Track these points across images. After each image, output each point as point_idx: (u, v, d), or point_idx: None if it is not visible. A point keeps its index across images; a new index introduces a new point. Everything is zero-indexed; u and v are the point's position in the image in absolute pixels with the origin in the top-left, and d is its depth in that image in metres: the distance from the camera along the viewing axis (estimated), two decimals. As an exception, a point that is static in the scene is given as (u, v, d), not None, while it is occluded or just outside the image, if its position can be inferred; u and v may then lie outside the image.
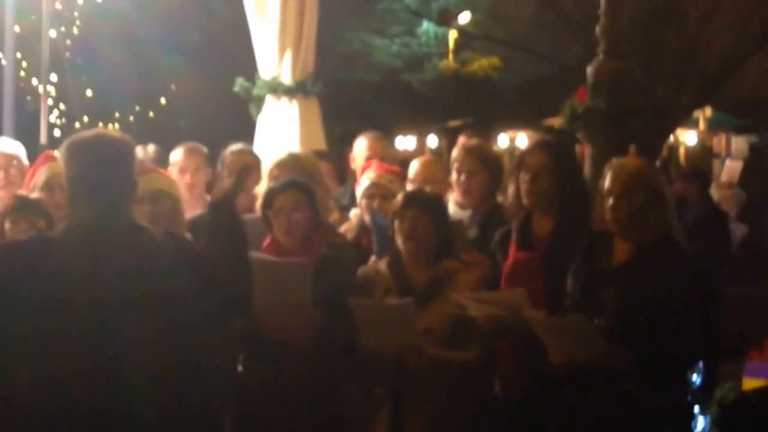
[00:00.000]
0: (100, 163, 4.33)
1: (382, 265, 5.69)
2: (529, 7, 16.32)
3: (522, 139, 14.16)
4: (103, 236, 4.29)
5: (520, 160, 5.91)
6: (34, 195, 6.04)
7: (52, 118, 10.51)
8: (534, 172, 5.68)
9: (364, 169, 7.14)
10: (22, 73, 11.06)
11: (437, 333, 5.49)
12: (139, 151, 7.81)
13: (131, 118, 13.26)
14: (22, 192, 6.12)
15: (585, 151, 7.59)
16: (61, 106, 10.68)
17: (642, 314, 5.08)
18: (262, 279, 5.07)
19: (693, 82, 13.15)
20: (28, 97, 11.16)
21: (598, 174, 5.66)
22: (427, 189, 6.25)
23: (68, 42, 11.08)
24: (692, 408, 6.27)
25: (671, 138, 12.04)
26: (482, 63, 18.97)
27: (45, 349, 4.24)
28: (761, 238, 9.63)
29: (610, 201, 5.15)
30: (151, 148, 8.78)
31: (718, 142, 14.62)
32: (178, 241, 4.84)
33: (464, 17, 18.73)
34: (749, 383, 7.01)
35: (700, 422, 6.71)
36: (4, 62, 10.58)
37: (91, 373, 4.21)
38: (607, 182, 5.24)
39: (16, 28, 10.25)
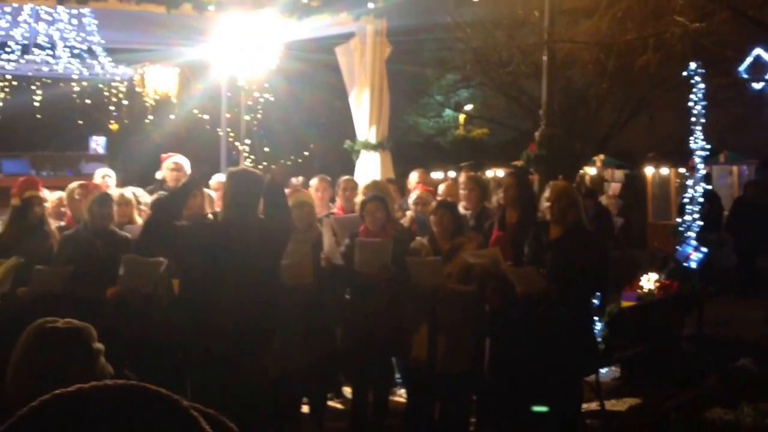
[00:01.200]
0: (243, 184, 6.40)
1: (424, 240, 7.72)
2: (503, 100, 21.30)
3: (500, 172, 16.95)
4: (240, 223, 6.22)
5: (499, 182, 8.49)
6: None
7: (247, 162, 13.01)
8: (506, 187, 8.10)
9: (413, 190, 9.75)
10: (230, 139, 13.77)
11: (454, 276, 7.43)
12: (294, 180, 10.52)
13: (289, 162, 16.38)
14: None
15: (535, 178, 9.57)
16: (251, 156, 13.27)
17: (566, 267, 7.16)
18: (363, 249, 7.46)
19: (593, 140, 18.67)
20: (233, 152, 13.71)
21: (541, 190, 8.12)
22: (448, 200, 8.65)
23: (255, 122, 13.65)
24: (593, 317, 8.19)
25: (582, 170, 14.70)
26: (478, 132, 24.34)
27: (210, 284, 6.15)
28: (630, 227, 11.89)
29: (547, 204, 7.43)
30: (300, 179, 11.00)
31: (607, 173, 18.25)
32: (280, 227, 6.74)
33: (468, 107, 23.00)
34: (624, 304, 9.64)
35: (598, 325, 8.64)
36: (220, 133, 13.63)
37: (232, 293, 6.08)
38: (546, 194, 7.53)
39: (227, 115, 13.62)
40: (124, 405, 0.84)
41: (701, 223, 11.57)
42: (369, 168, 12.01)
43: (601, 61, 14.99)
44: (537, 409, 7.30)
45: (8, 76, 16.24)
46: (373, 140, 12.22)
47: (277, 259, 6.62)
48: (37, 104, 18.20)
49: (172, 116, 19.04)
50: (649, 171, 20.90)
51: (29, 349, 2.28)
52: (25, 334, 2.33)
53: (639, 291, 10.22)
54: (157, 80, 17.72)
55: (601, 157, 19.64)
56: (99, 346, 2.43)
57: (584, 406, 7.92)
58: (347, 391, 8.80)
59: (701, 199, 11.72)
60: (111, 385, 0.87)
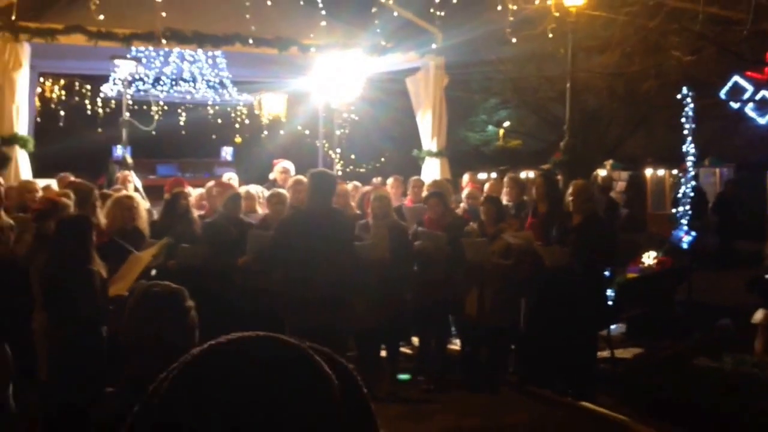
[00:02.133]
0: (320, 181, 6.25)
1: (474, 225, 7.69)
2: (533, 118, 21.70)
3: (531, 174, 16.85)
4: (319, 212, 6.09)
5: (532, 181, 8.58)
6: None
7: (338, 167, 13.11)
8: (537, 185, 8.05)
9: (465, 187, 9.93)
10: (325, 148, 13.99)
11: (497, 253, 7.41)
12: (375, 180, 10.90)
13: (369, 167, 16.37)
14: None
15: (560, 178, 9.38)
16: (340, 161, 13.37)
17: (585, 245, 7.09)
18: (426, 237, 7.59)
19: (604, 149, 18.99)
20: (327, 158, 13.81)
21: (565, 187, 8.08)
22: (493, 195, 8.66)
23: (344, 136, 13.84)
24: (605, 285, 8.12)
25: (595, 172, 14.60)
26: (513, 143, 23.76)
27: (297, 261, 6.05)
28: (633, 216, 11.77)
29: (570, 198, 7.39)
30: (379, 178, 11.19)
31: (615, 174, 18.05)
32: (353, 217, 6.97)
33: (506, 124, 22.99)
34: (629, 275, 9.50)
35: (609, 292, 8.48)
36: (318, 144, 14.01)
37: (316, 268, 5.98)
38: (569, 190, 7.49)
39: (322, 127, 13.80)
40: (266, 351, 0.84)
41: (690, 212, 11.44)
42: (431, 170, 12.04)
43: (612, 87, 14.82)
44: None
45: (161, 103, 16.57)
46: (434, 149, 12.26)
47: (347, 240, 6.45)
48: (182, 123, 18.67)
49: (281, 132, 19.30)
50: (648, 172, 20.68)
51: (136, 306, 2.24)
52: (134, 295, 2.30)
53: (641, 265, 10.16)
54: (271, 105, 18.03)
55: (610, 161, 19.44)
56: (190, 303, 2.39)
57: (598, 353, 7.88)
58: (415, 340, 8.81)
59: (691, 194, 11.57)
60: (254, 336, 0.86)
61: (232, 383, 0.80)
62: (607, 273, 8.06)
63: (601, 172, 17.81)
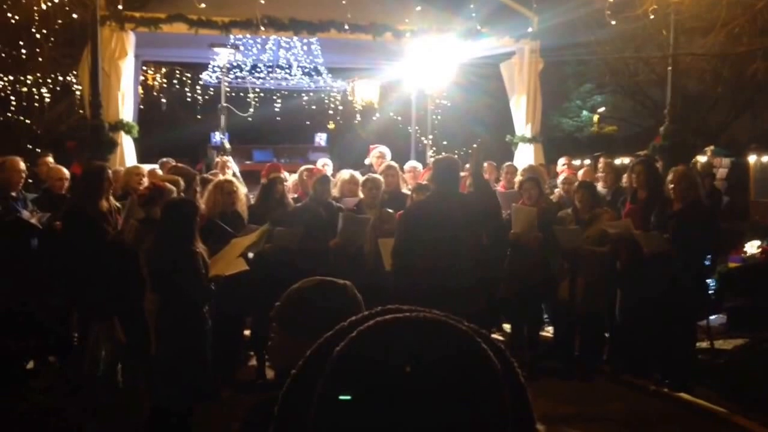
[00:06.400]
0: (445, 168, 6.12)
1: (569, 211, 7.64)
2: (629, 103, 21.59)
3: (625, 160, 16.42)
4: (446, 197, 5.99)
5: (631, 167, 8.18)
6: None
7: (430, 153, 13.18)
8: (638, 172, 7.73)
9: (561, 172, 9.87)
10: (418, 134, 14.00)
11: (592, 239, 7.35)
12: (467, 165, 9.99)
13: (462, 152, 16.53)
14: None
15: (660, 164, 9.16)
16: (433, 147, 13.46)
17: (686, 233, 6.90)
18: (520, 213, 7.58)
19: (705, 134, 18.17)
20: (420, 144, 13.95)
21: (665, 174, 7.84)
22: (587, 180, 8.49)
23: (436, 121, 13.98)
24: (707, 276, 7.81)
25: (694, 159, 14.14)
26: (609, 128, 22.78)
27: (421, 246, 5.84)
28: (735, 203, 11.29)
29: (671, 185, 7.19)
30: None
31: (716, 161, 17.21)
32: (482, 200, 6.33)
33: (601, 109, 22.15)
34: (731, 265, 9.21)
35: (710, 282, 8.21)
36: (410, 130, 14.00)
37: (437, 250, 5.77)
38: (669, 177, 7.28)
39: (415, 113, 13.81)
40: (426, 328, 0.85)
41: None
42: (525, 156, 11.94)
43: (717, 70, 14.28)
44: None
45: (258, 90, 16.92)
46: (528, 134, 12.16)
47: (478, 226, 6.16)
48: (278, 110, 19.05)
49: (374, 118, 19.44)
50: (751, 159, 19.77)
51: (310, 296, 2.17)
52: (304, 283, 2.25)
53: (744, 255, 9.86)
54: (364, 91, 18.14)
55: (711, 147, 18.75)
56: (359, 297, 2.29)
57: (697, 344, 7.66)
58: (506, 327, 8.76)
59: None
60: (415, 315, 0.87)
61: (402, 360, 0.80)
62: (707, 262, 7.65)
63: (701, 159, 17.24)
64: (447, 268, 5.71)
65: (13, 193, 7.48)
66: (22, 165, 7.66)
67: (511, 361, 0.92)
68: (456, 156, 6.68)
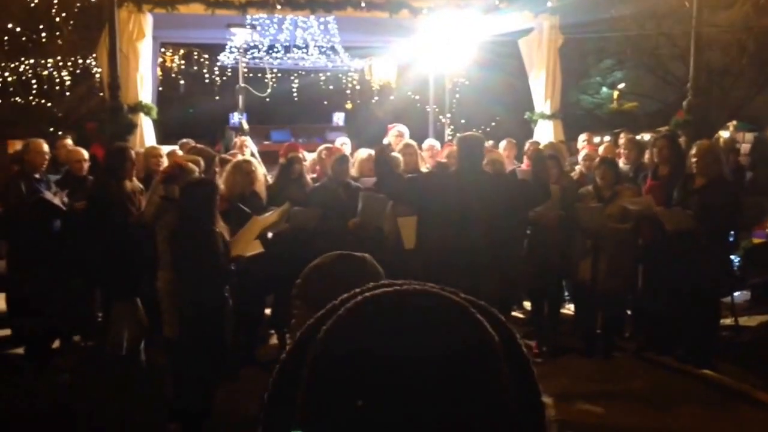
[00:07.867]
0: (470, 146, 6.16)
1: (589, 188, 7.53)
2: (650, 79, 20.88)
3: (646, 136, 16.28)
4: (468, 172, 6.05)
5: (653, 143, 8.13)
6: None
7: (448, 131, 13.13)
8: (660, 147, 7.68)
9: (582, 149, 9.63)
10: (436, 112, 13.73)
11: (614, 217, 7.25)
12: (487, 144, 9.97)
13: (480, 131, 16.34)
14: None
15: (683, 139, 9.06)
16: (451, 126, 13.31)
17: (709, 208, 6.82)
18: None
19: (727, 109, 17.55)
20: (437, 123, 13.72)
21: (688, 149, 7.73)
22: (609, 157, 8.26)
23: (454, 100, 13.89)
24: (730, 251, 7.83)
25: (717, 133, 13.90)
26: (629, 105, 22.69)
27: (439, 218, 5.95)
28: (758, 179, 11.18)
29: (694, 160, 7.08)
30: (491, 142, 10.47)
31: (739, 136, 17.07)
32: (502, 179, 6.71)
33: (621, 85, 21.93)
34: (755, 240, 9.11)
35: (733, 258, 8.21)
36: (428, 109, 13.81)
37: (464, 232, 5.84)
38: (692, 151, 7.16)
39: (432, 92, 13.73)
40: (423, 300, 0.83)
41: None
42: (544, 133, 11.79)
43: (742, 42, 14.02)
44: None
45: (275, 70, 16.87)
46: (547, 111, 12.00)
47: (506, 206, 6.11)
48: (295, 89, 19.02)
49: (391, 97, 19.35)
50: (776, 134, 19.61)
51: (330, 270, 2.16)
52: (324, 258, 2.23)
53: (768, 230, 9.75)
54: (381, 70, 18.05)
55: (734, 122, 18.50)
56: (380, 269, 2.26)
57: (721, 321, 7.58)
58: (527, 304, 8.71)
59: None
60: (405, 288, 0.84)
61: (393, 334, 0.79)
62: (731, 238, 7.68)
63: (724, 134, 17.04)
64: (465, 246, 5.69)
65: (37, 175, 7.53)
66: (46, 147, 7.70)
67: (513, 333, 0.89)
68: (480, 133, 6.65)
